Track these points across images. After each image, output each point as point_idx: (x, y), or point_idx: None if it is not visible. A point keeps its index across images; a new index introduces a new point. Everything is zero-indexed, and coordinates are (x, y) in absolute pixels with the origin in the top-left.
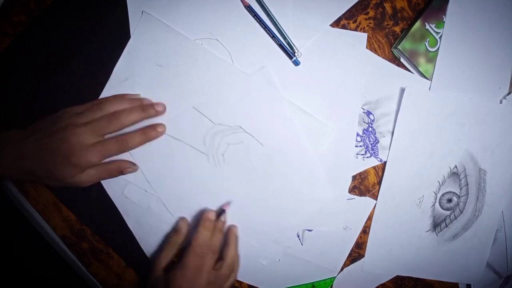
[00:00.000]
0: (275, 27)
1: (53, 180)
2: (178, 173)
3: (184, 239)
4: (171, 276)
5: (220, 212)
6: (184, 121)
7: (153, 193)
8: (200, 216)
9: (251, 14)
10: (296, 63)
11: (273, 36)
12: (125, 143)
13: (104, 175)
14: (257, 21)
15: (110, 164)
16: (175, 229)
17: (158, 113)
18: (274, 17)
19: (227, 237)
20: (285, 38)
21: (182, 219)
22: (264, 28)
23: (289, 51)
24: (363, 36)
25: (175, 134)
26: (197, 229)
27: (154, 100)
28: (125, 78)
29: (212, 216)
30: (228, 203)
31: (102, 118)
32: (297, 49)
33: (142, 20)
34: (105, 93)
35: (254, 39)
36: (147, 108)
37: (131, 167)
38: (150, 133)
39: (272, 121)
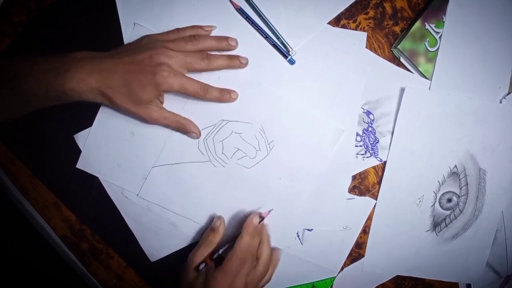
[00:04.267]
0: (268, 27)
1: (129, 104)
2: (192, 191)
3: (220, 237)
4: (211, 278)
5: (261, 217)
6: (173, 143)
7: (169, 216)
8: (243, 220)
9: (242, 16)
10: (291, 62)
11: (266, 37)
12: (205, 91)
13: (172, 124)
14: (249, 23)
15: (183, 118)
16: (211, 228)
17: (241, 65)
18: (265, 17)
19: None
20: (278, 38)
21: (219, 217)
22: (256, 30)
23: (283, 51)
24: (363, 35)
25: (172, 160)
26: (241, 235)
27: None
28: None
29: (256, 221)
30: (268, 211)
31: (194, 53)
32: (291, 48)
33: (135, 31)
34: None
35: (247, 41)
36: (233, 58)
37: (196, 133)
38: (225, 95)
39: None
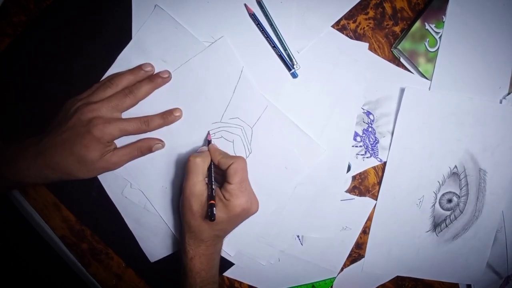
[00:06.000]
0: (277, 37)
1: (84, 168)
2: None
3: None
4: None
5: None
6: (181, 129)
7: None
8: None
9: (254, 22)
10: (294, 75)
11: (274, 47)
12: (146, 123)
13: (134, 153)
14: (259, 29)
15: (139, 142)
16: (199, 151)
17: (165, 80)
18: (276, 27)
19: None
20: (285, 50)
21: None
22: (266, 38)
23: (289, 63)
24: (364, 45)
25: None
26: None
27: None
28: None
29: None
30: (208, 134)
31: (116, 94)
32: (296, 62)
33: (154, 13)
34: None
35: (254, 48)
36: (154, 78)
37: (160, 143)
38: (168, 117)
39: (267, 131)
